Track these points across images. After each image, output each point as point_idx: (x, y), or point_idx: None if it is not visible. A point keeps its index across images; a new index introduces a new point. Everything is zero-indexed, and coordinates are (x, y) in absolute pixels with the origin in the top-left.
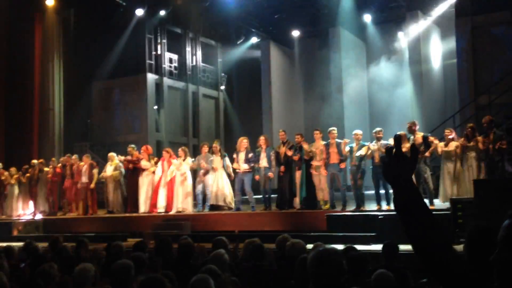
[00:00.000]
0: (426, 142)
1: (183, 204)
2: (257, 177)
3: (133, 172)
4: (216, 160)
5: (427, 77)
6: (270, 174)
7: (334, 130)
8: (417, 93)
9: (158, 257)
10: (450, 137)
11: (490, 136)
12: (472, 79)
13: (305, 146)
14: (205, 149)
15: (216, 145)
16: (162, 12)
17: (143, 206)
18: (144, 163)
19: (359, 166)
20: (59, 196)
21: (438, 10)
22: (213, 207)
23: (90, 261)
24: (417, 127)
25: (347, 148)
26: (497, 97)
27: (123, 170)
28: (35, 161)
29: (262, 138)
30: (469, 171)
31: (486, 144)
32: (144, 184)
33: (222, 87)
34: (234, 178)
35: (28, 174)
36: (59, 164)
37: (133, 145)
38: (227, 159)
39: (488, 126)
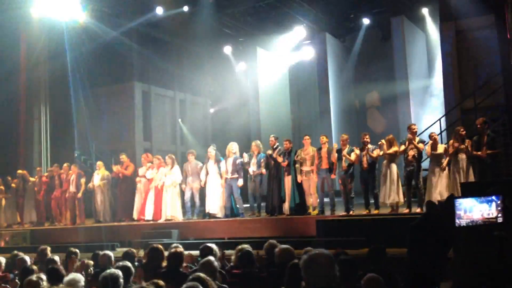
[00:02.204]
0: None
1: (172, 212)
2: (239, 184)
3: (124, 180)
4: (210, 165)
5: (413, 80)
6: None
7: (324, 136)
8: (403, 97)
9: (148, 266)
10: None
11: (484, 138)
12: (457, 83)
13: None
14: (191, 157)
15: (210, 150)
16: (149, 20)
17: (137, 214)
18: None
19: (348, 171)
20: (46, 206)
21: (422, 15)
22: (210, 216)
23: (78, 271)
24: (415, 131)
25: (353, 155)
26: (482, 100)
27: (110, 179)
28: (21, 171)
29: (254, 144)
30: (459, 174)
31: (480, 146)
32: (139, 191)
33: (210, 92)
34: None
35: (13, 185)
36: (46, 174)
37: (124, 154)
38: (222, 164)
39: (481, 127)
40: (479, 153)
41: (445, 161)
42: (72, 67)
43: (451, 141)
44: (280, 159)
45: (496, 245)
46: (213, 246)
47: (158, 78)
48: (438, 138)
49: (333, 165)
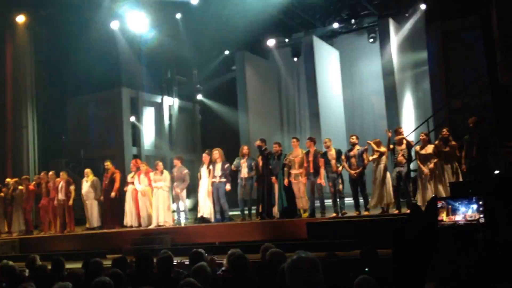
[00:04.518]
0: (408, 147)
1: (163, 217)
2: (227, 188)
3: (110, 187)
4: (203, 169)
5: (400, 81)
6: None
7: (312, 138)
8: (391, 98)
9: (138, 272)
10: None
11: (474, 138)
12: (444, 83)
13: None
14: (177, 162)
15: (206, 155)
16: (135, 25)
17: (129, 221)
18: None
19: (338, 173)
20: (34, 214)
21: (409, 17)
22: (203, 220)
23: (68, 280)
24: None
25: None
26: (469, 100)
27: (99, 186)
28: (9, 179)
29: (245, 147)
30: (447, 174)
31: (472, 146)
32: (129, 198)
33: (198, 98)
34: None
35: (2, 194)
36: (33, 182)
37: (109, 161)
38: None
39: (474, 126)
40: (463, 161)
41: (432, 162)
42: (59, 74)
43: (436, 142)
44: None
45: (479, 247)
46: (202, 251)
47: (146, 83)
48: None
49: (319, 169)
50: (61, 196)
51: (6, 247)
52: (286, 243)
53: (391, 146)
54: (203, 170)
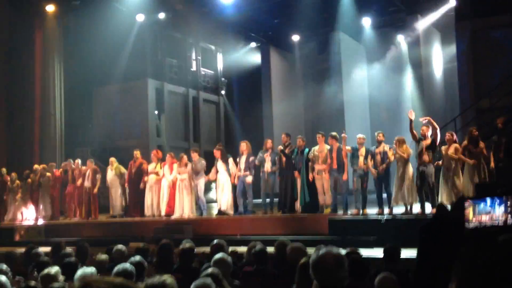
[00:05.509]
0: (433, 146)
1: (186, 208)
2: (248, 181)
3: (137, 177)
4: (219, 163)
5: (428, 80)
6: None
7: (334, 135)
8: (418, 97)
9: (159, 261)
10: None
11: (502, 139)
12: (473, 82)
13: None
14: (194, 155)
15: (216, 151)
16: (162, 16)
17: (149, 210)
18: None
19: (364, 170)
20: (60, 201)
21: (438, 14)
22: (221, 213)
23: (92, 265)
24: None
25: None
26: (498, 100)
27: (123, 175)
28: (37, 166)
29: (269, 141)
30: (473, 174)
31: (500, 147)
32: (151, 188)
33: (223, 92)
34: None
35: (29, 180)
36: (60, 169)
37: (138, 150)
38: (230, 161)
39: (503, 126)
40: (491, 162)
41: (456, 162)
42: (87, 63)
43: (464, 142)
44: (287, 150)
45: (502, 249)
46: (224, 242)
47: (171, 75)
48: (454, 138)
49: (343, 165)
50: (87, 183)
51: (33, 232)
52: (307, 239)
53: (415, 133)
54: (219, 165)
